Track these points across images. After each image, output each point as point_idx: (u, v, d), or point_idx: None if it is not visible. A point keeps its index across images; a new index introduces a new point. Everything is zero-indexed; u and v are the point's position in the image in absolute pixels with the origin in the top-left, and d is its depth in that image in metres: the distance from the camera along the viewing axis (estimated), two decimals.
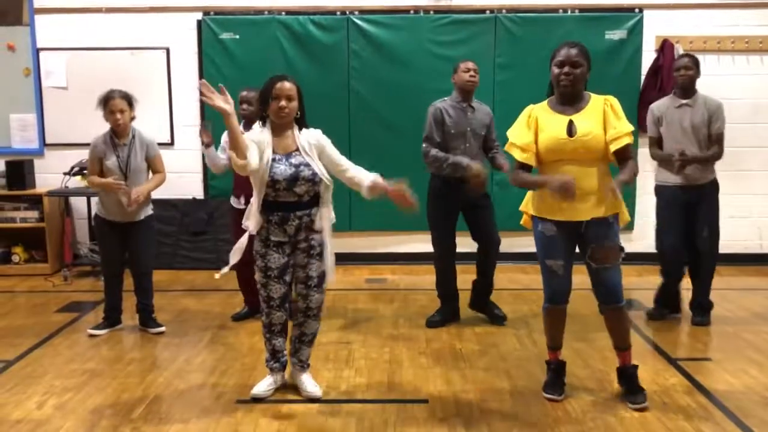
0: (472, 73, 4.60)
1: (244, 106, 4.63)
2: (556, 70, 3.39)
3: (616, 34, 6.33)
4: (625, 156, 3.37)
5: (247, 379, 3.88)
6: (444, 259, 4.82)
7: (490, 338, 4.56)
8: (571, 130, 3.33)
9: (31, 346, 4.44)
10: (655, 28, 6.35)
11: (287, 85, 3.37)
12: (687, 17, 6.37)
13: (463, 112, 4.63)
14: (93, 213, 4.76)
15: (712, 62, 6.41)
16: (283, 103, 3.35)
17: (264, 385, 3.64)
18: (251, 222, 3.46)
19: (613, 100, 3.41)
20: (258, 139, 3.36)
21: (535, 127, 3.43)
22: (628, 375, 3.55)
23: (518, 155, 3.46)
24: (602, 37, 6.32)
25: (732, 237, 6.56)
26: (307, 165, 3.40)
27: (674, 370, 3.98)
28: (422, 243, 6.69)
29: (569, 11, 6.36)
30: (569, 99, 3.40)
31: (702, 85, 6.29)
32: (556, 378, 3.65)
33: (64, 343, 4.50)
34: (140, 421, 3.38)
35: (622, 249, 3.42)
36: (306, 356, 3.72)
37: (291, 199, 3.41)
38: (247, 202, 3.63)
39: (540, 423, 3.33)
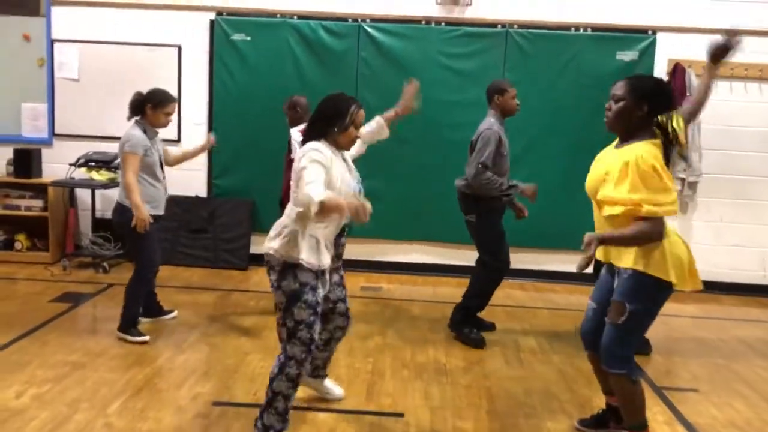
0: (517, 100, 4.67)
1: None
2: None
3: (627, 56, 6.27)
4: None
5: (226, 381, 3.89)
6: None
7: (476, 355, 4.53)
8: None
9: (20, 334, 4.47)
10: (668, 51, 6.29)
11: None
12: (700, 42, 6.22)
13: (506, 134, 4.66)
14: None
15: (724, 89, 6.33)
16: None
17: None
18: (315, 255, 3.00)
19: (634, 159, 2.78)
20: (328, 162, 2.99)
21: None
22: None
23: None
24: (613, 58, 6.27)
25: (735, 266, 6.50)
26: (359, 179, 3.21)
27: (657, 398, 3.93)
28: (420, 254, 6.73)
29: (581, 30, 6.32)
30: (620, 138, 3.00)
31: (713, 112, 6.30)
32: (595, 420, 3.47)
33: (53, 333, 4.54)
34: (114, 416, 3.39)
35: (624, 309, 2.93)
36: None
37: None
38: None
39: None
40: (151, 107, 4.46)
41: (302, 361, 3.02)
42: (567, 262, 6.59)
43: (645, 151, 2.81)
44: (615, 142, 3.07)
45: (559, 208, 6.40)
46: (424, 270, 6.67)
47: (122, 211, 4.43)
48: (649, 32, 6.32)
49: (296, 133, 4.99)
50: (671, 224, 3.01)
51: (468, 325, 4.80)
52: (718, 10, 6.27)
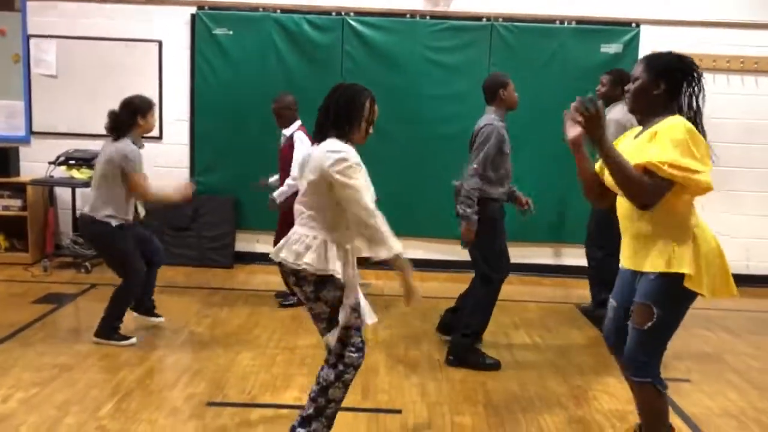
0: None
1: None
2: None
3: (611, 48, 6.30)
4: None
5: (219, 380, 3.82)
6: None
7: None
8: None
9: (3, 337, 4.36)
10: (652, 43, 6.30)
11: None
12: (684, 34, 6.35)
13: (508, 131, 4.23)
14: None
15: (706, 81, 6.37)
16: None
17: None
18: (344, 267, 2.88)
19: (667, 128, 2.61)
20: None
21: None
22: None
23: (597, 167, 2.93)
24: (597, 51, 6.29)
25: None
26: None
27: None
28: (407, 248, 6.63)
29: (566, 23, 6.33)
30: (642, 120, 2.82)
31: None
32: None
33: (38, 336, 4.43)
34: (107, 419, 3.31)
35: (651, 313, 2.69)
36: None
37: None
38: None
39: None
40: (142, 116, 4.29)
41: (358, 366, 2.93)
42: (552, 256, 6.62)
43: (675, 119, 2.65)
44: (628, 133, 2.95)
45: (544, 201, 6.38)
46: (414, 266, 6.61)
47: (95, 223, 4.21)
48: (633, 25, 6.34)
49: (302, 134, 4.99)
50: (703, 217, 2.76)
51: (474, 352, 4.26)
52: (701, 2, 6.33)
